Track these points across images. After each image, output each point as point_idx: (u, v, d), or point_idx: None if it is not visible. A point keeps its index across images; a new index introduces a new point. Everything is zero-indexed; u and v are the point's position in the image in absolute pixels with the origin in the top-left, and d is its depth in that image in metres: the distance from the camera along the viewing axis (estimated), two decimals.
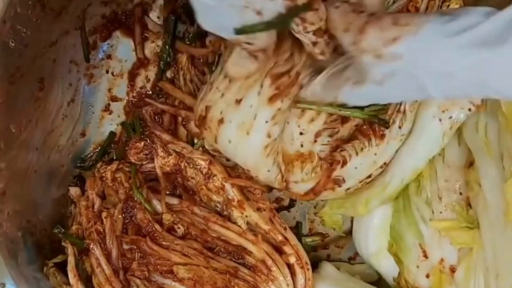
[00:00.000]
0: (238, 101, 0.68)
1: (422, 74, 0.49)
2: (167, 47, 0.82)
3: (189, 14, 0.82)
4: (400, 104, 0.72)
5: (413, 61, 0.49)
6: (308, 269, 0.78)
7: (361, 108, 0.71)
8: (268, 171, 0.72)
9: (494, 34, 0.46)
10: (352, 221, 0.86)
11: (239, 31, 0.56)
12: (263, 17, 0.55)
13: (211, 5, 0.55)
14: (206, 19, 0.57)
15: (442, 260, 0.71)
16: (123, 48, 0.85)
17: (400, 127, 0.72)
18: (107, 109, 0.86)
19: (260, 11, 0.54)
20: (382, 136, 0.72)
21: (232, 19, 0.55)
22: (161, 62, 0.84)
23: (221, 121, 0.70)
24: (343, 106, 0.69)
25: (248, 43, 0.58)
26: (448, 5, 0.70)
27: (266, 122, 0.67)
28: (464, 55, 0.47)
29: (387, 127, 0.72)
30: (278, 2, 0.54)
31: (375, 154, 0.73)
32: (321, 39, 0.58)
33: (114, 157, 0.85)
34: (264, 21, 0.55)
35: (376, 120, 0.71)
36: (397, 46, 0.49)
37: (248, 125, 0.68)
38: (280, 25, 0.57)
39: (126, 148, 0.83)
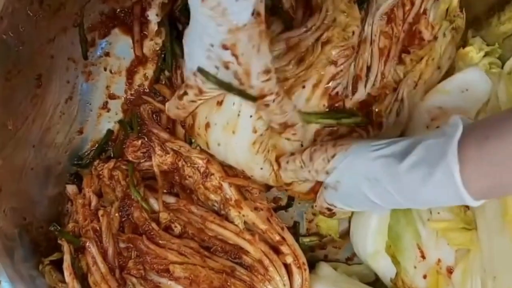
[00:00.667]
0: (220, 103, 0.69)
1: (358, 181, 0.62)
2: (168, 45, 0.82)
3: (187, 16, 0.81)
4: (398, 92, 0.73)
5: (347, 170, 0.64)
6: (305, 270, 0.78)
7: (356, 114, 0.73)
8: (261, 169, 0.72)
9: (398, 151, 0.59)
10: (349, 222, 0.86)
11: (199, 70, 0.62)
12: (218, 75, 0.61)
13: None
14: (188, 48, 0.65)
15: (439, 261, 0.71)
16: (121, 46, 0.85)
17: (397, 115, 0.74)
18: (105, 106, 0.86)
19: (218, 68, 0.60)
20: (380, 126, 0.73)
21: (200, 59, 0.61)
22: (159, 65, 0.84)
23: (207, 125, 0.71)
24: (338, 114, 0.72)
25: (202, 80, 0.64)
26: None
27: (251, 116, 0.68)
28: (378, 163, 0.60)
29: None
30: (230, 74, 0.60)
31: None
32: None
33: (112, 155, 0.85)
34: (218, 78, 0.61)
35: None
36: (335, 161, 0.65)
37: (233, 124, 0.69)
38: (228, 92, 0.63)
39: (124, 146, 0.83)
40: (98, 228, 0.77)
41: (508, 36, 0.77)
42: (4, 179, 0.72)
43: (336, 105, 0.72)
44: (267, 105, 0.64)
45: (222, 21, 0.55)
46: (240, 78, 0.60)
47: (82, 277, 0.77)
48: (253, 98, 0.62)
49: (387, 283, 0.80)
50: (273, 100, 0.63)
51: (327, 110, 0.71)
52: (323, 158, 0.66)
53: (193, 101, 0.68)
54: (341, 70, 0.70)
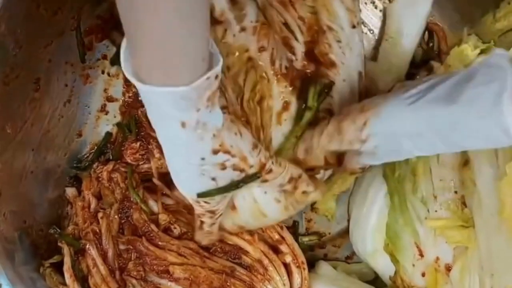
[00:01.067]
0: (233, 207, 0.72)
1: (398, 140, 0.58)
2: None
3: None
4: (320, 20, 0.70)
5: (386, 133, 0.59)
6: (304, 269, 0.78)
7: None
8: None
9: (442, 95, 0.54)
10: (349, 221, 0.86)
11: (200, 196, 0.63)
12: (218, 183, 0.62)
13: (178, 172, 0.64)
14: (177, 183, 0.66)
15: (437, 258, 0.71)
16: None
17: (339, 42, 0.71)
18: (103, 109, 0.86)
19: (214, 178, 0.61)
20: (333, 63, 0.71)
21: (193, 185, 0.63)
22: None
23: (240, 227, 0.75)
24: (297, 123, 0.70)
25: (206, 202, 0.66)
26: None
27: (265, 193, 0.70)
28: (422, 116, 0.55)
29: None
30: (229, 172, 0.61)
31: None
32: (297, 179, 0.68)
33: (111, 158, 0.85)
34: (219, 188, 0.63)
35: None
36: (368, 128, 0.60)
37: (258, 212, 0.72)
38: (235, 189, 0.64)
39: (122, 149, 0.83)
40: (98, 230, 0.78)
41: (504, 33, 0.77)
42: (4, 183, 0.73)
43: (294, 75, 0.70)
44: (270, 171, 0.65)
45: (204, 134, 0.56)
46: (240, 167, 0.62)
47: (82, 279, 0.77)
48: (256, 175, 0.64)
49: (386, 281, 0.81)
50: (272, 163, 0.65)
51: (291, 89, 0.69)
52: (354, 128, 0.61)
53: (213, 223, 0.71)
54: (272, 48, 0.68)
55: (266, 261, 0.77)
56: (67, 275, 0.76)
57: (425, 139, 0.56)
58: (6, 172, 0.73)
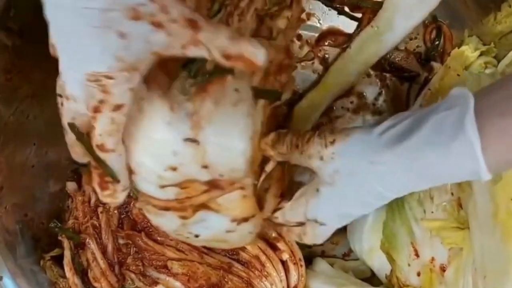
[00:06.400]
0: None
1: (362, 168, 0.57)
2: None
3: None
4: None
5: (349, 157, 0.58)
6: (301, 266, 0.78)
7: None
8: None
9: (409, 126, 0.55)
10: None
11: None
12: (130, 47, 0.46)
13: None
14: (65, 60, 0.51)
15: (432, 259, 0.71)
16: None
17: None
18: None
19: (124, 34, 0.45)
20: (288, 51, 0.69)
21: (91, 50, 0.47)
22: None
23: None
24: None
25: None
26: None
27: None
28: (387, 150, 0.55)
29: None
30: (143, 27, 0.46)
31: None
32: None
33: None
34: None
35: None
36: (334, 147, 0.59)
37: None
38: None
39: None
40: (97, 224, 0.79)
41: (505, 35, 0.77)
42: (6, 176, 0.73)
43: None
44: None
45: None
46: (157, 21, 0.46)
47: (82, 272, 0.78)
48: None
49: (382, 280, 0.81)
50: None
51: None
52: (320, 143, 0.60)
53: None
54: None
55: (263, 258, 0.77)
56: (67, 269, 0.77)
57: (390, 169, 0.56)
58: (8, 166, 0.74)
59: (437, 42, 0.87)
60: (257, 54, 0.48)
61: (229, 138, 0.57)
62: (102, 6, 0.43)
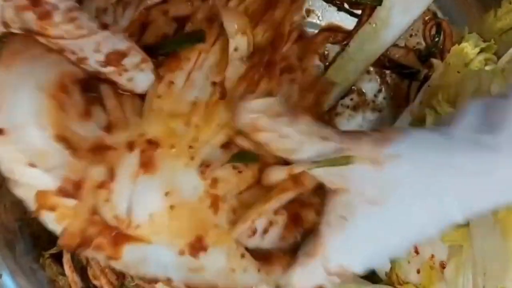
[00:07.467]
0: None
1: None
2: None
3: None
4: None
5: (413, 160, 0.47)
6: None
7: None
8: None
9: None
10: None
11: None
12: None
13: None
14: None
15: (432, 256, 0.71)
16: None
17: None
18: None
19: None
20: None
21: None
22: None
23: None
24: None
25: None
26: None
27: None
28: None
29: None
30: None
31: None
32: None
33: None
34: None
35: None
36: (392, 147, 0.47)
37: None
38: None
39: None
40: None
41: (505, 32, 0.77)
42: None
43: None
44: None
45: None
46: None
47: (81, 270, 0.78)
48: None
49: (382, 277, 0.81)
50: None
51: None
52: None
53: None
54: None
55: None
56: (66, 266, 0.77)
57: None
58: None
59: (437, 39, 0.87)
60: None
61: None
62: None
